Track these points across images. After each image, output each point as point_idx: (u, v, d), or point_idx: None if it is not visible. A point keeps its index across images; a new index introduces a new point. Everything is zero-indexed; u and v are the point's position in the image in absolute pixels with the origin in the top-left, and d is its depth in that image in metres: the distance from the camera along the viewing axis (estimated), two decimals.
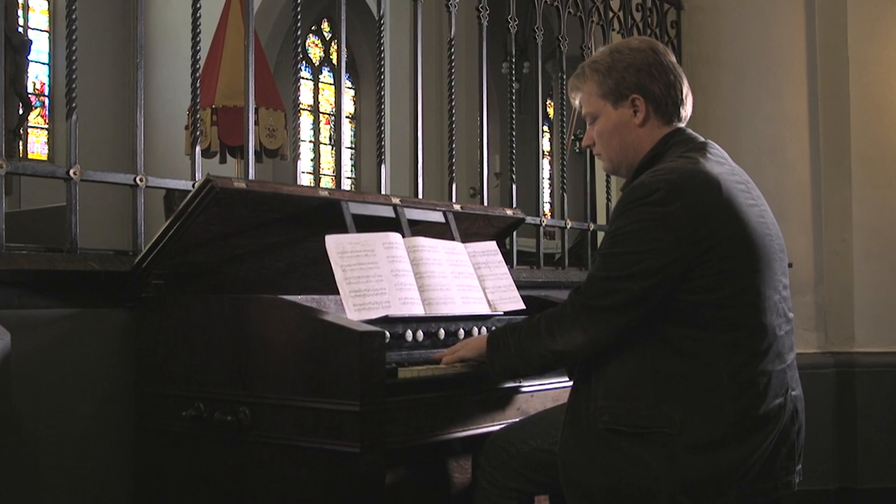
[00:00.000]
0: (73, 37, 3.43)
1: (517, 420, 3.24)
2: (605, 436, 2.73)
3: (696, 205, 2.67)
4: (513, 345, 2.91)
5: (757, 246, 2.74)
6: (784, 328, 2.82)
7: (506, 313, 3.56)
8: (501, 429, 3.18)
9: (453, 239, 3.64)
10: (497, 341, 2.97)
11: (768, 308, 2.75)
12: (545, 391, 3.37)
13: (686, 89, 2.99)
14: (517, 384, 3.28)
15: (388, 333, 2.96)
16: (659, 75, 2.93)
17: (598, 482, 2.73)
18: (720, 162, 2.86)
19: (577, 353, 2.82)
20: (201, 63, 3.86)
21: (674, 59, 3.01)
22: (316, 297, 3.35)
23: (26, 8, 13.91)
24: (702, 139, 2.97)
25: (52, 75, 14.15)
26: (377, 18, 4.53)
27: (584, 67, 3.04)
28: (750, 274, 2.72)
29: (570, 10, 5.66)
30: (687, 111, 3.00)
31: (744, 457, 2.67)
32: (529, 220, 4.85)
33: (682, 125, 3.00)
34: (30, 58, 12.22)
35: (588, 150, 3.38)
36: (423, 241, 3.42)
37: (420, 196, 4.49)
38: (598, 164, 6.28)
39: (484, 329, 3.40)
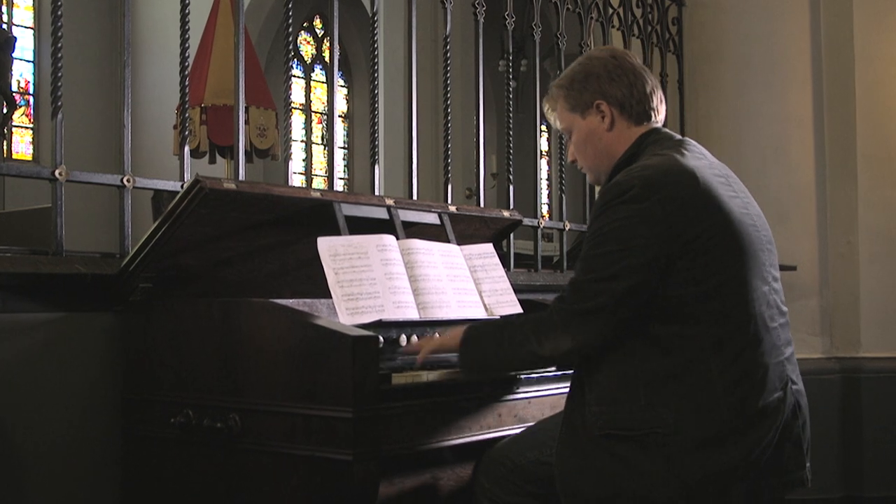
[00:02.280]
0: (59, 33, 3.43)
1: (515, 431, 3.24)
2: (600, 441, 2.75)
3: (673, 198, 2.71)
4: (492, 344, 2.95)
5: (740, 235, 2.78)
6: (778, 320, 2.85)
7: (502, 317, 3.57)
8: (499, 444, 3.19)
9: (449, 241, 3.64)
10: (476, 336, 3.00)
11: (756, 298, 2.78)
12: (543, 398, 3.37)
13: (650, 87, 3.07)
14: (515, 391, 3.28)
15: (381, 338, 2.96)
16: (619, 78, 3.04)
17: (595, 490, 2.75)
18: (698, 157, 2.92)
19: (565, 359, 2.87)
20: (190, 61, 3.87)
21: (635, 61, 3.11)
22: (308, 300, 3.35)
23: (10, 4, 13.89)
24: (678, 137, 3.05)
25: (36, 73, 14.13)
26: (371, 15, 4.54)
27: (551, 88, 3.18)
28: (734, 264, 2.75)
29: (569, 6, 5.67)
30: (657, 109, 3.09)
31: (745, 452, 2.68)
32: (527, 221, 4.85)
33: (657, 125, 3.08)
34: (14, 55, 12.22)
35: None
36: (418, 244, 3.42)
37: (415, 197, 4.49)
38: None
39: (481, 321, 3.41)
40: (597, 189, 6.55)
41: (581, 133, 3.08)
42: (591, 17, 5.87)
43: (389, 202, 3.56)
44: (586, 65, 3.08)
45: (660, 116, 3.09)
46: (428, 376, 2.98)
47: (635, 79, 3.04)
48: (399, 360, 3.10)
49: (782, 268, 3.07)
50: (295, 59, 15.94)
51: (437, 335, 3.25)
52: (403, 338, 3.15)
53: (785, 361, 2.83)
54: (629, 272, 2.69)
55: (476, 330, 3.02)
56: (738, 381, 2.70)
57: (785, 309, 2.93)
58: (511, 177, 5.18)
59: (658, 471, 2.67)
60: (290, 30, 4.17)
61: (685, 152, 2.90)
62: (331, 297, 3.09)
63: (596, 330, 2.75)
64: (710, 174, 2.84)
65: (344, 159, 17.22)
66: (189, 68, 3.84)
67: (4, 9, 13.58)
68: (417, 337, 3.19)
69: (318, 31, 17.02)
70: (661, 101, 3.09)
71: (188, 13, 3.79)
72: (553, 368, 3.32)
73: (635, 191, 2.72)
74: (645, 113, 3.04)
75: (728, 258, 2.75)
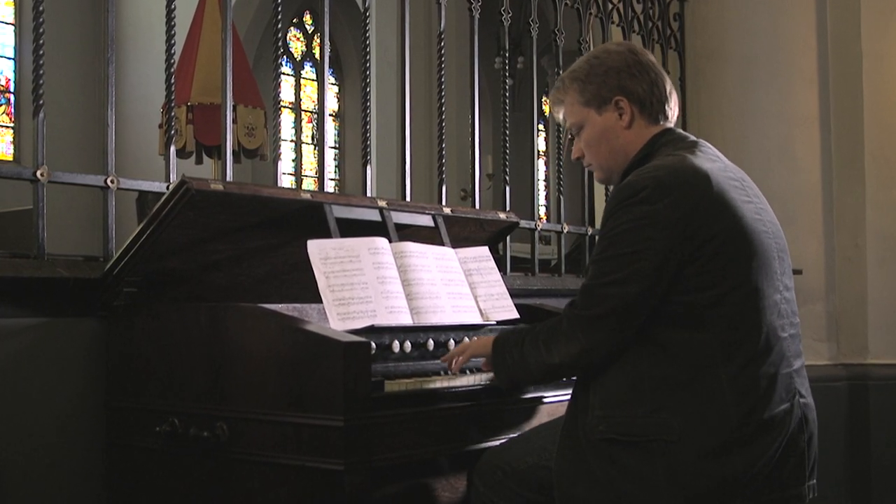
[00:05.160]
0: (41, 30, 3.43)
1: (512, 437, 3.24)
2: (600, 447, 2.75)
3: (686, 200, 2.72)
4: (516, 355, 2.96)
5: (752, 241, 2.79)
6: (788, 330, 2.86)
7: (499, 322, 3.57)
8: (496, 446, 3.19)
9: (443, 244, 3.65)
10: (502, 349, 3.02)
11: (767, 307, 2.78)
12: (540, 405, 3.38)
13: (669, 87, 3.07)
14: (511, 398, 3.28)
15: (373, 344, 2.97)
16: (640, 74, 3.01)
17: (594, 497, 2.75)
18: (712, 159, 2.92)
19: (576, 366, 2.86)
20: (176, 58, 3.87)
21: (653, 58, 3.09)
22: (297, 305, 3.35)
23: None
24: (693, 138, 3.04)
25: (17, 70, 14.09)
26: (363, 10, 4.54)
27: (563, 79, 3.13)
28: (745, 269, 2.76)
29: (567, 1, 5.67)
30: (673, 109, 3.08)
31: (748, 464, 2.69)
32: (524, 224, 4.86)
33: (671, 125, 3.07)
34: None
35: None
36: (411, 247, 3.42)
37: (408, 199, 4.49)
38: None
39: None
40: (598, 189, 6.56)
41: (595, 129, 3.05)
42: (590, 13, 5.87)
43: (382, 204, 3.57)
44: (604, 58, 3.04)
45: (673, 117, 3.08)
46: (421, 384, 2.99)
47: (656, 76, 3.03)
48: (392, 367, 3.10)
49: None
50: (284, 57, 15.91)
51: (430, 347, 3.26)
52: (396, 344, 3.15)
53: (794, 373, 2.83)
54: (640, 276, 2.70)
55: (503, 340, 3.05)
56: (746, 389, 2.70)
57: (796, 320, 2.93)
58: (507, 177, 5.19)
59: (659, 479, 2.68)
60: (280, 26, 4.17)
61: (699, 154, 2.90)
62: (321, 302, 3.09)
63: (606, 335, 2.76)
64: (724, 177, 2.84)
65: (335, 159, 17.22)
66: (175, 65, 3.84)
67: None
68: (411, 343, 3.19)
69: (308, 27, 17.01)
70: (676, 102, 3.09)
71: (174, 8, 3.79)
72: None
73: (647, 192, 2.73)
74: (662, 112, 3.03)
75: (739, 263, 2.75)
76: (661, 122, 3.04)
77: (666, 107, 3.04)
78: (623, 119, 3.01)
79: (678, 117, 6.40)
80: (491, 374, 3.10)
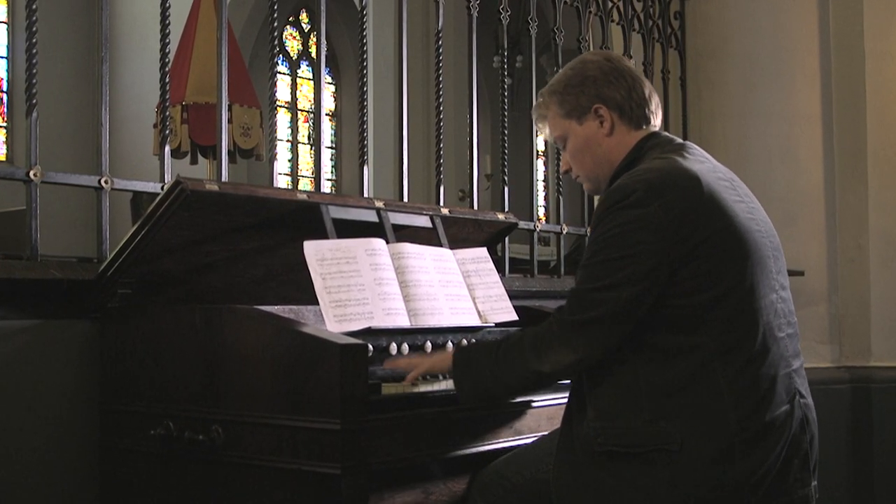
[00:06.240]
0: (34, 28, 3.43)
1: (510, 443, 3.23)
2: (600, 459, 2.75)
3: (677, 202, 2.71)
4: (487, 364, 2.91)
5: (746, 241, 2.79)
6: (786, 330, 2.86)
7: (497, 325, 3.57)
8: (494, 462, 3.19)
9: (441, 245, 3.64)
10: (467, 358, 2.98)
11: (764, 307, 2.78)
12: (539, 408, 3.37)
13: (648, 90, 3.08)
14: (510, 402, 3.28)
15: (371, 346, 2.97)
16: (616, 81, 3.03)
17: None
18: (700, 161, 2.93)
19: (566, 373, 2.85)
20: (171, 57, 3.87)
21: (630, 64, 3.12)
22: (294, 307, 3.35)
23: None
24: (679, 140, 3.05)
25: (10, 70, 14.11)
26: (360, 9, 4.54)
27: (542, 94, 3.15)
28: (740, 270, 2.76)
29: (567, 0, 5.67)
30: (655, 113, 3.09)
31: (752, 469, 2.68)
32: (523, 224, 4.86)
33: (656, 129, 3.08)
34: None
35: None
36: (409, 248, 3.42)
37: (405, 199, 4.49)
38: None
39: (474, 342, 3.41)
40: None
41: (578, 140, 3.07)
42: (590, 12, 5.87)
43: (379, 204, 3.56)
44: (580, 69, 3.07)
45: (657, 121, 3.08)
46: (420, 386, 2.99)
47: (633, 81, 3.04)
48: (389, 370, 3.10)
49: (789, 273, 3.07)
50: (280, 56, 15.95)
51: (428, 349, 3.26)
52: (394, 346, 3.15)
53: (793, 373, 2.83)
54: (632, 280, 2.69)
55: (468, 351, 3.01)
56: (746, 392, 2.70)
57: (794, 319, 2.93)
58: (506, 178, 5.19)
59: (662, 489, 2.67)
60: (276, 24, 4.17)
61: (687, 156, 2.90)
62: (318, 304, 3.09)
63: (599, 341, 2.75)
64: (714, 178, 2.85)
65: (331, 159, 17.23)
66: (170, 64, 3.84)
67: None
68: (409, 346, 3.19)
69: (304, 25, 17.03)
70: (658, 105, 3.10)
71: (169, 7, 3.79)
72: None
73: (637, 195, 2.72)
74: (644, 117, 3.04)
75: (733, 264, 2.75)
76: (645, 127, 3.05)
77: (647, 111, 3.04)
78: (604, 127, 3.02)
79: (680, 115, 6.48)
80: None
